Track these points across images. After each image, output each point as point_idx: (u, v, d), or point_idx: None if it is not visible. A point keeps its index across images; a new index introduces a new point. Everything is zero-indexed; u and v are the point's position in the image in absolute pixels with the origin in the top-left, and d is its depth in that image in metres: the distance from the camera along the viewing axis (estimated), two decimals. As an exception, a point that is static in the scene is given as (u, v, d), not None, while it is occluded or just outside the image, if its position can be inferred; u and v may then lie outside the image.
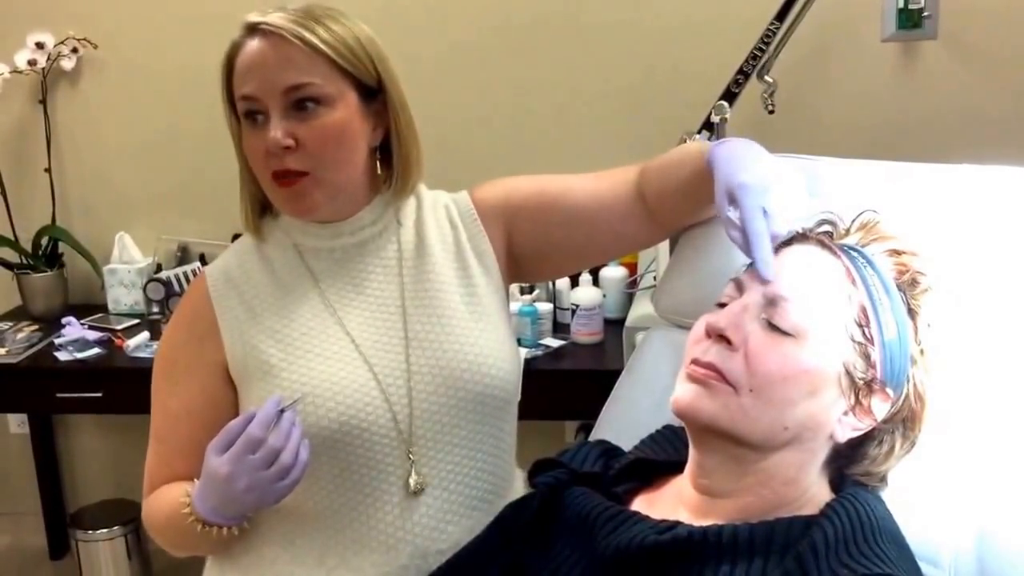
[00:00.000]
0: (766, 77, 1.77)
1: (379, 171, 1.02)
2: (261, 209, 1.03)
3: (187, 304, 1.03)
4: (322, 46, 0.93)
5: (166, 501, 0.98)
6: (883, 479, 0.82)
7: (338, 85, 0.94)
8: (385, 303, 1.01)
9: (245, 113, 0.95)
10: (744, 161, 0.88)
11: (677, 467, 0.86)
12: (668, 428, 0.94)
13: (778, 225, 0.82)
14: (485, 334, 1.01)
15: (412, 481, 0.98)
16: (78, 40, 2.13)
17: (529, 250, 1.06)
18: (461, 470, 1.01)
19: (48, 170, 2.19)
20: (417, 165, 1.02)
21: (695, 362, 0.79)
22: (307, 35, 0.93)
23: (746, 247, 0.82)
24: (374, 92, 0.97)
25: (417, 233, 1.04)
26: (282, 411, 0.89)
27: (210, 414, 0.98)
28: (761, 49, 1.73)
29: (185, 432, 0.99)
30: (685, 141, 1.73)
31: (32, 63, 2.11)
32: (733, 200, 0.85)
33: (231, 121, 0.99)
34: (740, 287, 0.81)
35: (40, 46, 2.11)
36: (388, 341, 0.99)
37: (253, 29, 0.94)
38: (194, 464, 0.96)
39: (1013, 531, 0.81)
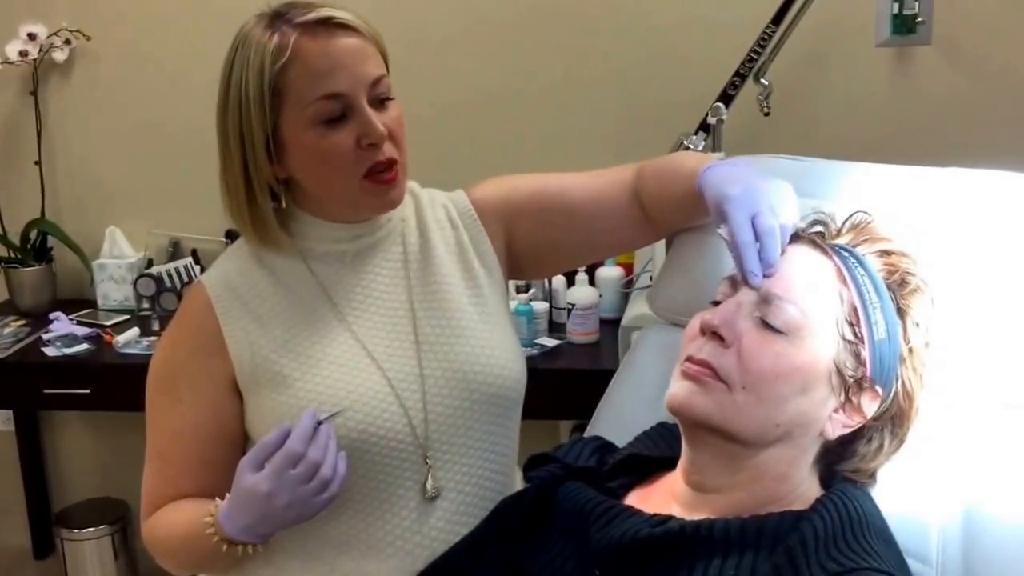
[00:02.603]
0: (762, 80, 1.79)
1: None
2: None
3: (186, 317, 1.01)
4: (380, 40, 0.95)
5: (178, 522, 0.97)
6: (872, 476, 0.84)
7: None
8: (393, 306, 1.01)
9: (325, 114, 0.91)
10: (731, 177, 0.90)
11: (670, 463, 0.88)
12: (662, 425, 0.96)
13: (771, 220, 0.82)
14: (494, 335, 1.02)
15: (429, 486, 0.98)
16: (71, 32, 2.12)
17: (528, 249, 1.07)
18: (475, 472, 1.01)
19: (38, 163, 2.18)
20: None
21: (689, 359, 0.81)
22: (372, 31, 0.94)
23: (736, 259, 0.83)
24: None
25: (420, 233, 1.04)
26: (319, 423, 0.88)
27: (216, 428, 0.98)
28: (757, 52, 1.76)
29: (190, 448, 0.98)
30: (682, 142, 1.76)
31: (24, 54, 2.09)
32: (723, 216, 0.86)
33: (262, 131, 0.92)
34: (734, 285, 0.83)
35: (32, 37, 2.10)
36: (399, 346, 0.99)
37: (316, 25, 0.91)
38: (201, 480, 0.97)
39: (998, 512, 0.83)
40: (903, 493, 0.86)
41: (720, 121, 1.77)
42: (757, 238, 0.82)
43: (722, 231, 0.86)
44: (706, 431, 0.80)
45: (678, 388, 0.81)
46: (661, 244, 1.36)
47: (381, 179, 0.94)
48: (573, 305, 1.89)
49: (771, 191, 0.87)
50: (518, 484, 1.07)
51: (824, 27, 1.87)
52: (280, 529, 0.92)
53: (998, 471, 0.86)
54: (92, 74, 2.19)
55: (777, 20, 1.74)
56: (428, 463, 0.98)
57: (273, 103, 0.91)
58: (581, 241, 1.07)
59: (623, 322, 1.68)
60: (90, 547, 2.13)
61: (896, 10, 1.81)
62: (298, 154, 0.94)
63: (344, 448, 0.92)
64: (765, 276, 0.80)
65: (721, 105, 1.77)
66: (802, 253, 0.83)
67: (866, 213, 0.88)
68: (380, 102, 0.94)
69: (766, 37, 1.75)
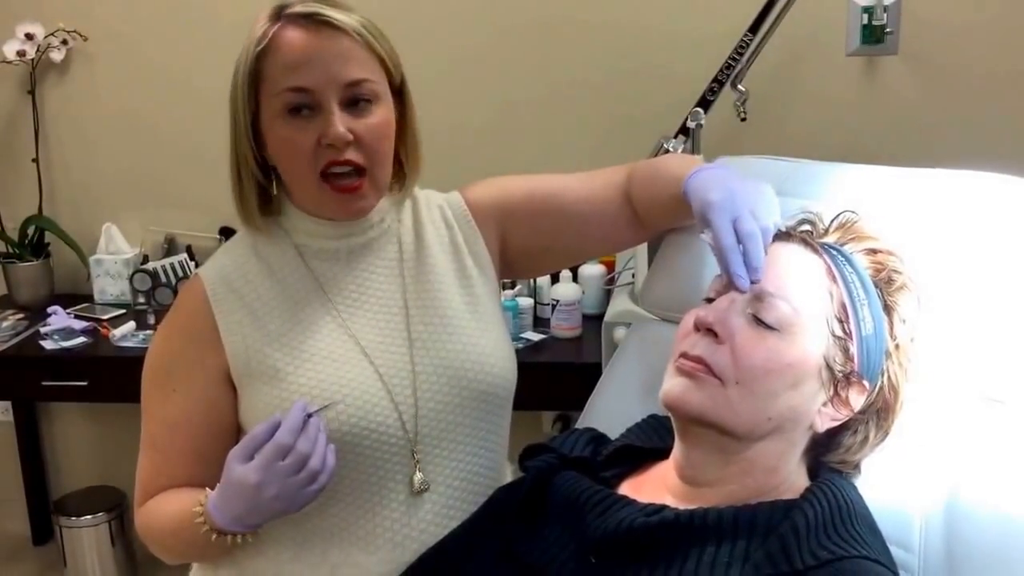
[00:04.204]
0: (739, 86, 1.79)
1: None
2: (261, 204, 0.98)
3: (182, 309, 0.98)
4: (376, 44, 0.90)
5: (168, 511, 0.94)
6: (857, 467, 0.83)
7: (383, 83, 0.92)
8: (387, 304, 0.98)
9: (291, 107, 0.89)
10: (712, 182, 0.87)
11: (662, 453, 0.87)
12: (653, 417, 0.94)
13: (752, 223, 0.81)
14: (486, 333, 0.99)
15: (416, 480, 0.95)
16: (68, 32, 2.09)
17: (521, 250, 1.05)
18: (464, 467, 0.99)
19: (35, 160, 2.14)
20: (420, 163, 1.01)
21: (684, 356, 0.79)
22: (364, 32, 0.90)
23: (721, 264, 0.81)
24: (398, 92, 0.96)
25: (416, 233, 1.01)
26: (309, 416, 0.86)
27: (209, 420, 0.95)
28: (735, 59, 1.75)
29: (184, 439, 0.95)
30: (662, 145, 1.75)
31: (21, 54, 2.06)
32: (706, 221, 0.84)
33: (245, 112, 0.92)
34: (728, 283, 0.82)
35: (30, 37, 2.06)
36: (392, 343, 0.97)
37: (301, 17, 0.88)
38: (194, 471, 0.94)
39: (979, 502, 0.83)
40: (887, 483, 0.84)
41: (699, 125, 1.76)
42: (740, 241, 0.80)
43: (706, 236, 0.84)
44: (700, 425, 0.79)
45: (673, 384, 0.79)
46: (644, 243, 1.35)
47: (340, 186, 0.91)
48: (557, 301, 1.88)
49: (751, 194, 0.85)
50: (508, 479, 1.05)
51: (798, 36, 1.88)
52: (269, 520, 0.89)
53: (979, 463, 0.85)
54: (89, 74, 2.15)
55: (754, 29, 1.73)
56: (416, 457, 0.95)
57: (252, 88, 0.90)
58: (573, 241, 1.05)
59: (606, 318, 1.66)
60: (88, 534, 2.09)
61: (865, 21, 1.83)
62: (270, 141, 0.92)
63: (335, 441, 0.89)
64: (753, 281, 0.78)
65: (700, 110, 1.76)
66: (793, 252, 0.82)
67: (853, 212, 0.86)
68: (357, 106, 0.90)
69: (743, 45, 1.74)
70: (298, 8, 0.89)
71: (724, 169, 0.91)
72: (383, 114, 0.91)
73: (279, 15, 0.90)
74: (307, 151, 0.89)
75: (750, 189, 0.85)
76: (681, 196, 0.91)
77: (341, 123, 0.88)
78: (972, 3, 1.89)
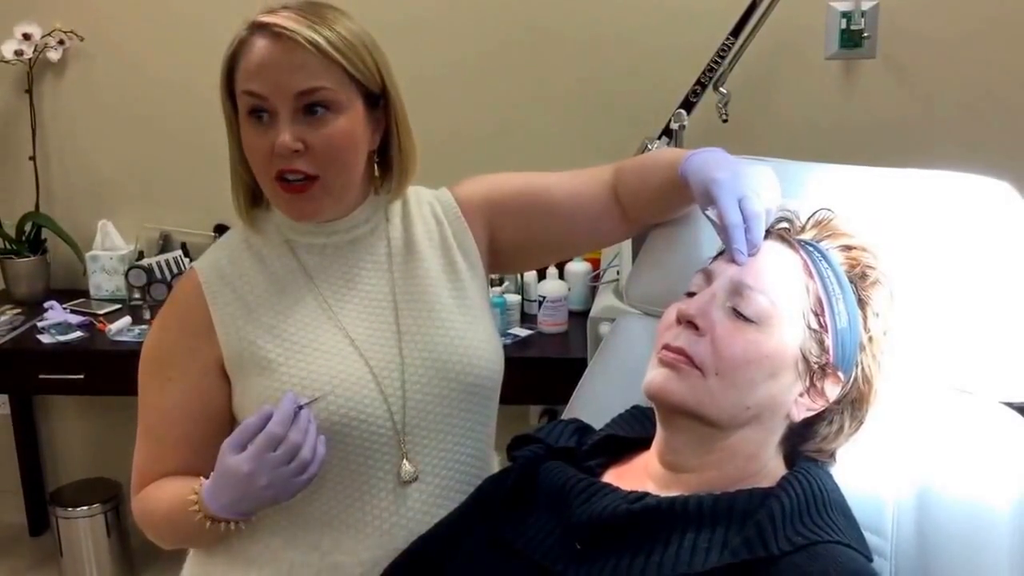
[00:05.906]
0: (721, 88, 1.80)
1: (375, 172, 1.00)
2: (252, 198, 0.98)
3: (177, 301, 0.98)
4: (335, 54, 0.88)
5: (164, 499, 0.94)
6: (832, 455, 0.84)
7: (348, 92, 0.90)
8: (377, 299, 0.98)
9: (249, 109, 0.90)
10: (716, 162, 0.89)
11: (644, 443, 0.87)
12: (636, 408, 0.95)
13: (758, 204, 0.82)
14: (473, 327, 1.00)
15: (404, 470, 0.96)
16: (65, 32, 2.08)
17: (509, 246, 1.05)
18: (451, 457, 0.99)
19: (33, 158, 2.14)
20: (415, 167, 1.00)
21: (666, 347, 0.80)
22: (321, 42, 0.88)
23: (725, 239, 0.82)
24: (376, 98, 0.94)
25: (405, 230, 1.01)
26: (299, 407, 0.86)
27: (204, 410, 0.95)
28: (717, 62, 1.76)
29: (179, 429, 0.95)
30: (646, 146, 1.76)
31: (19, 53, 2.05)
32: (710, 199, 0.85)
33: (227, 110, 0.94)
34: (708, 277, 0.82)
35: (27, 37, 2.06)
36: (381, 336, 0.97)
37: (263, 27, 0.89)
38: (188, 459, 0.94)
39: (949, 489, 0.83)
40: (861, 471, 0.85)
41: (682, 127, 1.78)
42: (744, 220, 0.81)
43: (710, 213, 0.85)
44: (681, 415, 0.79)
45: (655, 375, 0.80)
46: (628, 241, 1.35)
47: (290, 187, 0.91)
48: (544, 297, 1.89)
49: (755, 176, 0.86)
50: (495, 468, 1.05)
51: (778, 40, 1.89)
52: (261, 508, 0.90)
53: (950, 451, 0.86)
54: (85, 73, 2.14)
55: (736, 32, 1.74)
56: (404, 448, 0.96)
57: (227, 88, 0.92)
58: (561, 237, 1.05)
59: (591, 313, 1.67)
60: (83, 525, 2.08)
61: (844, 26, 1.84)
62: (242, 140, 0.93)
63: (325, 432, 0.90)
64: (749, 255, 0.80)
65: (683, 112, 1.77)
66: (771, 248, 0.83)
67: (829, 210, 0.87)
68: (315, 115, 0.89)
69: (725, 48, 1.75)
70: (262, 18, 0.89)
71: (721, 151, 0.93)
72: (343, 124, 0.90)
73: (253, 23, 0.91)
74: (264, 155, 0.90)
75: (754, 171, 0.87)
76: (675, 181, 0.92)
77: (290, 133, 0.88)
78: (948, 8, 1.91)
